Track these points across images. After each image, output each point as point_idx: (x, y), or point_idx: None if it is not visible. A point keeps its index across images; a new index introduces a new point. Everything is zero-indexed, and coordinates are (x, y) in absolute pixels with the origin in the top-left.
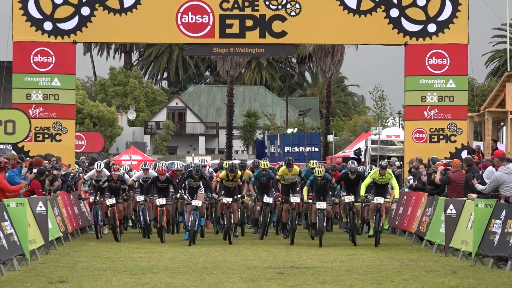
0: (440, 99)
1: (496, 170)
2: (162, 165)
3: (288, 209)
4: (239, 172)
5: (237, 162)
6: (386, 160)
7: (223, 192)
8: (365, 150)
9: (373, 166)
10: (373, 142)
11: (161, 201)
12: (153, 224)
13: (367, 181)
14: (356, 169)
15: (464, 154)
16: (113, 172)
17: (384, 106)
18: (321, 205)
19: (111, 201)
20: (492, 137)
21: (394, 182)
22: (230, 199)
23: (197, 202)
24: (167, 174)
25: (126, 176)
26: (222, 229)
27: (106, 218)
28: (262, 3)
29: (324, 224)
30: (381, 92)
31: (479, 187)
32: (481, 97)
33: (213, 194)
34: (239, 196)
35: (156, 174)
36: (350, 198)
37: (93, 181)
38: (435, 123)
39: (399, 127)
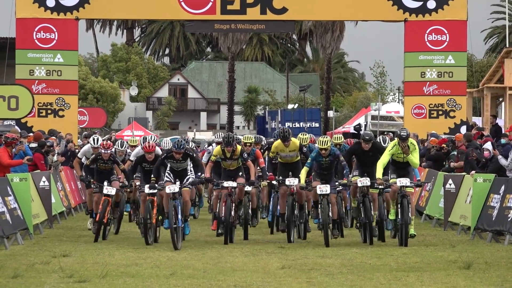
0: (439, 75)
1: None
2: (151, 139)
3: (286, 193)
4: (238, 147)
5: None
6: (406, 129)
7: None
8: (365, 125)
9: (380, 137)
10: (373, 117)
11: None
12: (136, 221)
13: (384, 158)
14: (371, 136)
15: (463, 130)
16: (103, 150)
17: (385, 82)
18: (324, 189)
19: (110, 190)
20: (491, 112)
21: (415, 156)
22: (233, 184)
23: (172, 188)
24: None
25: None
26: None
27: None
28: None
29: (330, 214)
30: (382, 68)
31: (502, 161)
32: (480, 73)
33: (200, 175)
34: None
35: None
36: (364, 181)
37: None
38: (434, 98)
39: (399, 102)
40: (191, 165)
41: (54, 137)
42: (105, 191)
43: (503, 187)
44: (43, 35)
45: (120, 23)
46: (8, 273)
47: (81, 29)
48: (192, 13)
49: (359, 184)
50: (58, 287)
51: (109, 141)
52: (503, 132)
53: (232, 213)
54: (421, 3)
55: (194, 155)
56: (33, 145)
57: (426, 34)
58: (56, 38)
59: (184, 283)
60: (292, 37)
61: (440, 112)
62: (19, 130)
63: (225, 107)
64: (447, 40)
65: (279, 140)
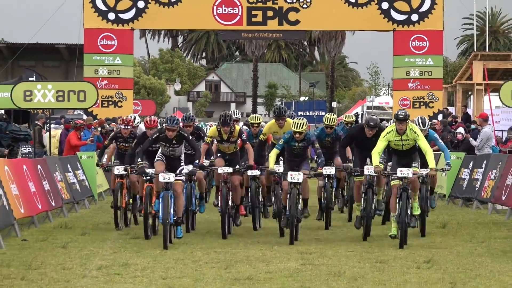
0: (421, 73)
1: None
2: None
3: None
4: (237, 127)
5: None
6: (405, 110)
7: (219, 155)
8: (361, 114)
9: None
10: (368, 107)
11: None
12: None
13: (380, 145)
14: (376, 122)
15: (440, 117)
16: (122, 126)
17: (378, 80)
18: (295, 177)
19: (121, 169)
20: (462, 103)
21: (424, 144)
22: (228, 169)
23: (168, 176)
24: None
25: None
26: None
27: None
28: None
29: (300, 207)
30: (376, 68)
31: (473, 142)
32: (453, 72)
33: (198, 162)
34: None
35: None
36: (372, 169)
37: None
38: (417, 92)
39: (389, 95)
40: (183, 155)
41: (114, 123)
42: (115, 172)
43: (471, 163)
44: (105, 42)
45: (167, 32)
46: (78, 231)
47: (136, 37)
48: (224, 24)
49: (366, 172)
50: (117, 242)
51: (129, 117)
52: (472, 119)
53: (230, 202)
54: (406, 16)
55: (191, 137)
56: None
57: (410, 41)
58: (115, 44)
59: (218, 239)
60: (303, 43)
61: (422, 103)
62: (92, 118)
63: (250, 99)
64: (427, 46)
65: (273, 121)
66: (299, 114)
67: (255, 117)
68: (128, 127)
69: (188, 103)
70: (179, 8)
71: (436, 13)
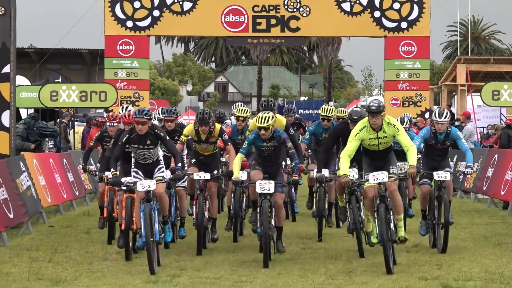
0: (409, 75)
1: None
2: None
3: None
4: (217, 126)
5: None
6: (379, 100)
7: (193, 161)
8: None
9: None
10: (362, 106)
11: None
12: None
13: (350, 145)
14: (361, 115)
15: (427, 115)
16: (109, 123)
17: (371, 81)
18: (266, 186)
19: (109, 175)
20: (447, 103)
21: (404, 139)
22: (206, 175)
23: (148, 184)
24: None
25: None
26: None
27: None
28: (282, 7)
29: (273, 223)
30: (370, 70)
31: None
32: (439, 74)
33: (182, 166)
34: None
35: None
36: (351, 174)
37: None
38: (406, 93)
39: (381, 95)
40: (167, 151)
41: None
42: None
43: (455, 157)
44: (124, 47)
45: (180, 39)
46: (98, 218)
47: (151, 42)
48: (231, 31)
49: (343, 180)
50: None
51: (116, 113)
52: (456, 117)
53: (206, 213)
54: (396, 23)
55: (168, 138)
56: None
57: (400, 46)
58: (133, 49)
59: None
60: (303, 49)
61: (410, 103)
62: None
63: (255, 99)
64: (415, 50)
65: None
66: (299, 113)
67: (242, 110)
68: (114, 124)
69: (199, 103)
70: (191, 16)
71: (423, 21)
